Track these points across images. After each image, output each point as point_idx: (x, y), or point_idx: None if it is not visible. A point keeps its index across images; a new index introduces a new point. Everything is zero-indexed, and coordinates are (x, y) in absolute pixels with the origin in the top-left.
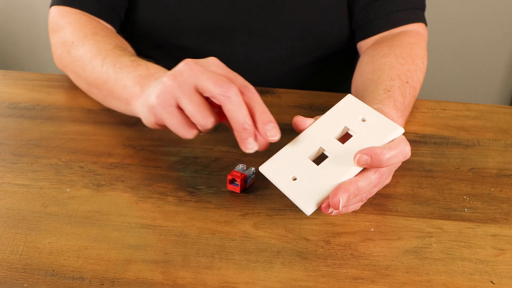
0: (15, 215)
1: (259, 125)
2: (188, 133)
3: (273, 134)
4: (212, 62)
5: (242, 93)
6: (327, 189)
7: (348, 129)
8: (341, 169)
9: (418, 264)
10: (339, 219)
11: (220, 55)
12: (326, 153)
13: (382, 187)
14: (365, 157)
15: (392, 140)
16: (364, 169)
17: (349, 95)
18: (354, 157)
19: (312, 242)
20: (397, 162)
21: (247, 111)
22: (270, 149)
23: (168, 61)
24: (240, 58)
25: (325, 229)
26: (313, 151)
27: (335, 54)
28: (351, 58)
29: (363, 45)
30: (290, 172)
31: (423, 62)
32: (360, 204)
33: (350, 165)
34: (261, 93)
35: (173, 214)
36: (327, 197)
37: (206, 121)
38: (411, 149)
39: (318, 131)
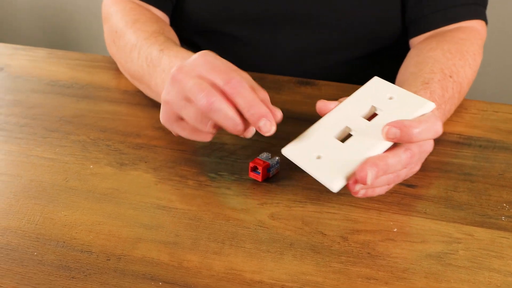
0: (37, 186)
1: (251, 123)
2: (203, 138)
3: (267, 129)
4: (199, 62)
5: (224, 92)
6: (354, 164)
7: (376, 108)
8: (369, 144)
9: (439, 270)
10: (361, 215)
11: (266, 44)
12: (352, 132)
13: (411, 174)
14: (394, 130)
15: (422, 115)
16: (393, 147)
17: (375, 77)
18: (382, 130)
19: (328, 237)
20: (428, 137)
21: (234, 113)
22: (295, 133)
23: (213, 49)
24: (286, 48)
25: (345, 225)
26: (339, 130)
27: (385, 50)
28: (402, 56)
29: (415, 42)
30: (314, 152)
31: (474, 58)
32: (387, 188)
33: (378, 140)
34: (301, 84)
35: (190, 198)
36: (354, 173)
37: (208, 128)
38: (453, 150)
39: (343, 112)
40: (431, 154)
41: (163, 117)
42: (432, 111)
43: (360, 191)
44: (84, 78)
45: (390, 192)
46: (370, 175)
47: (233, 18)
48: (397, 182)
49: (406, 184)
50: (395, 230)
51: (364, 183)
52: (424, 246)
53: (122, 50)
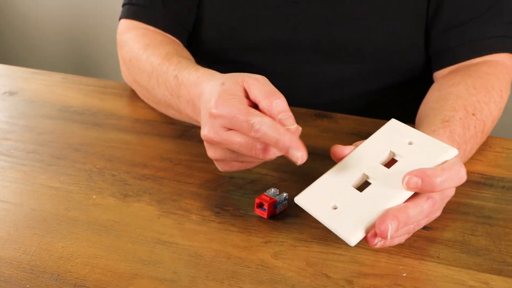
0: (37, 216)
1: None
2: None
3: (296, 156)
4: (223, 120)
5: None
6: (373, 216)
7: (394, 154)
8: (388, 194)
9: None
10: (369, 258)
11: (284, 73)
12: (370, 180)
13: (431, 220)
14: (415, 179)
15: (445, 162)
16: (413, 196)
17: (392, 119)
18: (403, 179)
19: (332, 280)
20: (452, 186)
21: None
22: (308, 169)
23: None
24: (304, 78)
25: (351, 267)
26: (356, 178)
27: (407, 83)
28: (425, 90)
29: (439, 75)
30: (330, 201)
31: (500, 95)
32: (406, 237)
33: (398, 190)
34: (317, 117)
35: (193, 233)
36: (373, 225)
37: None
38: (472, 191)
39: (360, 158)
40: None
41: (225, 169)
42: (455, 157)
43: (379, 242)
44: (95, 105)
45: None
46: (391, 230)
47: (250, 46)
48: (416, 230)
49: None
50: (405, 275)
51: (385, 237)
52: None
53: (139, 79)
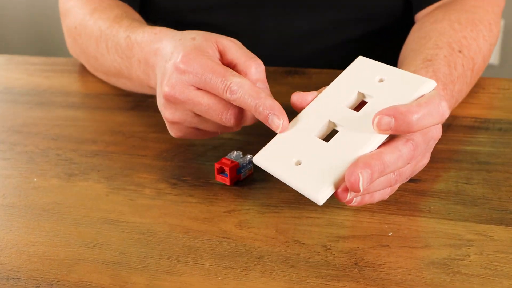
0: None
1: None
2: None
3: (277, 124)
4: (187, 70)
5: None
6: (342, 167)
7: (364, 95)
8: (358, 140)
9: (444, 281)
10: (349, 219)
11: (247, 31)
12: (337, 127)
13: (419, 169)
14: (387, 119)
15: (421, 97)
16: (391, 140)
17: (360, 56)
18: (373, 121)
19: (306, 247)
20: (432, 123)
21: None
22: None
23: None
24: (270, 33)
25: (328, 231)
26: (321, 127)
27: (386, 30)
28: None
29: (420, 16)
30: (292, 156)
31: (490, 29)
32: (389, 191)
33: (369, 134)
34: (288, 74)
35: (145, 209)
36: (343, 178)
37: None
38: (466, 136)
39: (324, 104)
40: (439, 142)
41: (177, 133)
42: (434, 90)
43: (354, 199)
44: (42, 84)
45: None
46: (362, 180)
47: (206, 5)
48: (402, 182)
49: None
50: (390, 234)
51: (357, 190)
52: (426, 252)
53: (86, 47)
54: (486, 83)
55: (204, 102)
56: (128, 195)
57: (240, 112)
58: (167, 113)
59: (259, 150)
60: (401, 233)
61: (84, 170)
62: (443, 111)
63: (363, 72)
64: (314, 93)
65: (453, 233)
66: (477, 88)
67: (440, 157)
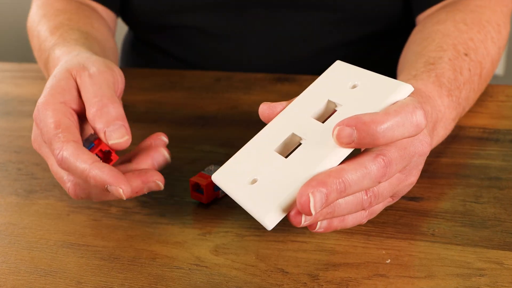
0: None
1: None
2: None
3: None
4: (40, 125)
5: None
6: (296, 186)
7: (335, 104)
8: (318, 156)
9: None
10: (341, 244)
11: (232, 33)
12: (302, 141)
13: (405, 188)
14: (347, 131)
15: (393, 104)
16: (356, 156)
17: (337, 61)
18: (333, 133)
19: (291, 276)
20: (403, 135)
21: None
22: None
23: (173, 46)
24: (257, 37)
25: (317, 258)
26: (282, 141)
27: (383, 32)
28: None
29: (421, 18)
30: (248, 174)
31: (498, 30)
32: (366, 214)
33: (330, 149)
34: (277, 81)
35: (110, 231)
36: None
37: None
38: (473, 149)
39: (291, 115)
40: (443, 155)
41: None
42: (410, 96)
43: (318, 223)
44: (10, 92)
45: (385, 209)
46: (314, 202)
47: (188, 6)
48: (381, 205)
49: (408, 197)
50: (388, 261)
51: (308, 213)
52: (429, 283)
53: (34, 47)
54: (494, 91)
55: (50, 164)
56: (91, 215)
57: (79, 186)
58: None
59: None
60: (400, 261)
61: (45, 186)
62: (418, 121)
63: (337, 77)
64: (283, 103)
65: (461, 261)
66: (485, 96)
67: (445, 172)
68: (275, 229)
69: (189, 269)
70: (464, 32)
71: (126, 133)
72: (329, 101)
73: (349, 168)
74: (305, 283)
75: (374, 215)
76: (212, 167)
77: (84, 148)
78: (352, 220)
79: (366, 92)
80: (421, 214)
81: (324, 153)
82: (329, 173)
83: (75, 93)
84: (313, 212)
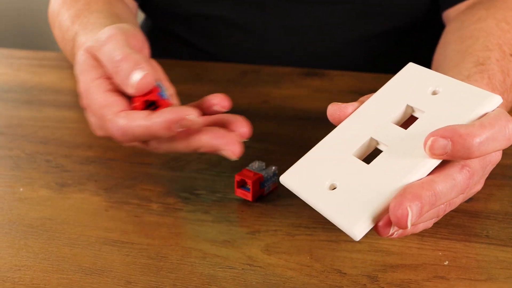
0: None
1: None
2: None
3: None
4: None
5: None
6: (385, 197)
7: (413, 109)
8: (406, 164)
9: None
10: (395, 244)
11: (255, 26)
12: (381, 146)
13: (470, 196)
14: (442, 142)
15: (485, 115)
16: (442, 165)
17: (410, 63)
18: (425, 143)
19: (349, 278)
20: (496, 148)
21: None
22: (302, 138)
23: (197, 37)
24: (280, 30)
25: (373, 258)
26: (361, 145)
27: (408, 28)
28: (433, 34)
29: (451, 13)
30: (326, 179)
31: None
32: (435, 220)
33: (419, 158)
34: (306, 75)
35: (153, 228)
36: (387, 210)
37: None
38: None
39: (367, 117)
40: None
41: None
42: (499, 107)
43: (395, 232)
44: (30, 80)
45: None
46: (411, 215)
47: None
48: (449, 211)
49: None
50: (446, 263)
51: (404, 226)
52: (491, 285)
53: (57, 40)
54: None
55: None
56: (132, 211)
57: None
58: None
59: (281, 160)
60: (458, 262)
61: (78, 179)
62: (510, 135)
63: (413, 81)
64: (355, 104)
65: None
66: None
67: (493, 172)
68: (325, 227)
69: (242, 269)
70: (507, 32)
71: (144, 69)
72: (407, 106)
73: (439, 180)
74: (365, 284)
75: (437, 220)
76: (256, 163)
77: (132, 111)
78: (423, 226)
79: (450, 100)
80: (472, 215)
81: (413, 163)
82: (421, 185)
83: (100, 68)
84: (409, 225)
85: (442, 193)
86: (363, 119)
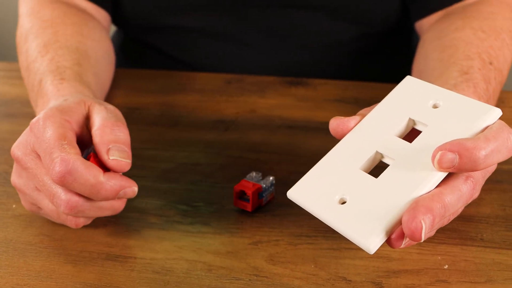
0: None
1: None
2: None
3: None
4: (38, 133)
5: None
6: (396, 210)
7: (415, 122)
8: (414, 178)
9: None
10: (395, 250)
11: (232, 34)
12: (386, 159)
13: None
14: (450, 156)
15: (487, 128)
16: (448, 177)
17: (408, 76)
18: (433, 157)
19: (355, 285)
20: (499, 160)
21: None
22: (290, 146)
23: (171, 47)
24: (258, 37)
25: (375, 265)
26: (367, 159)
27: (385, 31)
28: (405, 41)
29: (425, 23)
30: (335, 193)
31: (511, 37)
32: (437, 228)
33: (426, 171)
34: (290, 84)
35: (155, 241)
36: (399, 223)
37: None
38: None
39: (370, 131)
40: None
41: (25, 205)
42: (500, 120)
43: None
44: (8, 92)
45: None
46: (425, 228)
47: (183, 5)
48: (452, 219)
49: None
50: (446, 267)
51: (418, 238)
52: (491, 287)
53: (22, 64)
54: (504, 97)
55: (40, 177)
56: (131, 225)
57: (78, 200)
58: (13, 175)
59: (275, 170)
60: (457, 266)
61: None
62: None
63: (413, 94)
64: (357, 118)
65: None
66: (497, 102)
67: None
68: (326, 236)
69: (249, 279)
70: (484, 40)
71: (128, 157)
72: (409, 119)
73: (447, 192)
74: None
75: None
76: (253, 174)
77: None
78: (428, 234)
79: (452, 113)
80: (466, 219)
81: (421, 177)
82: (431, 198)
83: (82, 118)
84: (423, 238)
85: (451, 204)
86: (367, 132)
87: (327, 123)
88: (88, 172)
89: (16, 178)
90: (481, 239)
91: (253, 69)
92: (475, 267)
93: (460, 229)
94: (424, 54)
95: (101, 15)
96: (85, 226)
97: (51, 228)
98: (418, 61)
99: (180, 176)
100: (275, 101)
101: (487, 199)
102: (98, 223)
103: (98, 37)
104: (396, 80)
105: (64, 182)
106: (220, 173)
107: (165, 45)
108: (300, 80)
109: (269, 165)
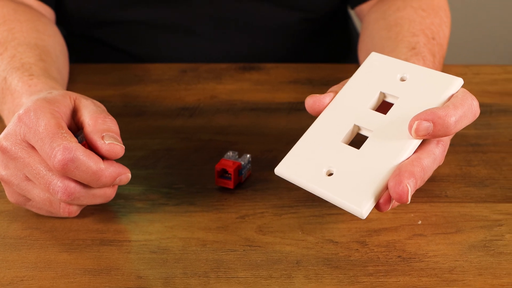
0: None
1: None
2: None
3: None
4: (21, 129)
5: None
6: (381, 177)
7: (385, 95)
8: (393, 146)
9: (492, 263)
10: (372, 212)
11: (180, 25)
12: (364, 131)
13: None
14: (425, 124)
15: (453, 96)
16: (422, 144)
17: (373, 52)
18: (410, 126)
19: (342, 245)
20: (466, 124)
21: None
22: (255, 126)
23: (118, 41)
24: (208, 26)
25: (357, 226)
26: (346, 132)
27: (325, 20)
28: (343, 24)
29: (364, 8)
30: (321, 166)
31: (446, 15)
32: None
33: (404, 140)
34: (244, 70)
35: (146, 224)
36: (385, 188)
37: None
38: None
39: (345, 106)
40: None
41: (11, 198)
42: (462, 88)
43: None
44: None
45: None
46: (410, 190)
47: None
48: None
49: None
50: (420, 222)
51: (405, 200)
52: (461, 236)
53: None
54: (446, 70)
55: (33, 165)
56: (118, 211)
57: (75, 187)
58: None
59: (246, 150)
60: (430, 221)
61: None
62: (476, 111)
63: (380, 69)
64: (331, 94)
65: (478, 215)
66: None
67: None
68: (306, 205)
69: (244, 250)
70: (425, 18)
71: (121, 143)
72: (381, 93)
73: (423, 157)
74: (357, 249)
75: None
76: (230, 153)
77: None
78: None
79: (419, 85)
80: (430, 179)
81: (400, 145)
82: (411, 163)
83: (68, 111)
84: (409, 199)
85: (428, 167)
86: (343, 107)
87: (287, 104)
88: (90, 159)
89: (2, 170)
90: (445, 195)
91: (204, 58)
92: (445, 220)
93: (426, 189)
94: (370, 34)
95: (46, 11)
96: (69, 218)
97: (38, 221)
98: (365, 41)
99: (156, 162)
100: (233, 86)
101: (445, 161)
102: (86, 212)
103: (53, 33)
104: (343, 61)
105: (66, 169)
106: (194, 156)
107: (112, 39)
108: (253, 65)
109: (239, 145)
